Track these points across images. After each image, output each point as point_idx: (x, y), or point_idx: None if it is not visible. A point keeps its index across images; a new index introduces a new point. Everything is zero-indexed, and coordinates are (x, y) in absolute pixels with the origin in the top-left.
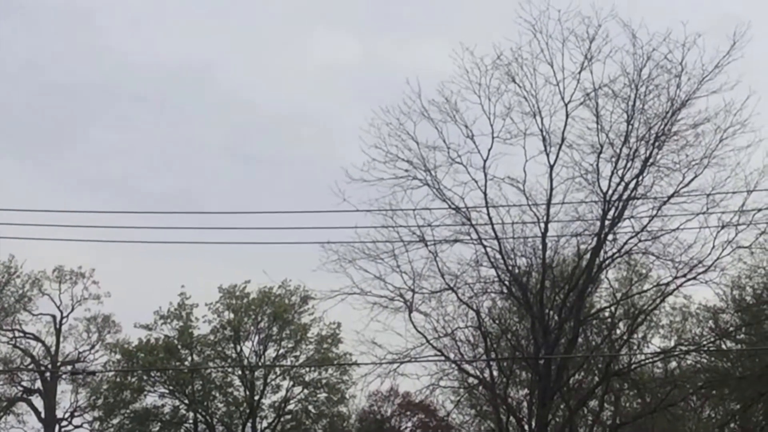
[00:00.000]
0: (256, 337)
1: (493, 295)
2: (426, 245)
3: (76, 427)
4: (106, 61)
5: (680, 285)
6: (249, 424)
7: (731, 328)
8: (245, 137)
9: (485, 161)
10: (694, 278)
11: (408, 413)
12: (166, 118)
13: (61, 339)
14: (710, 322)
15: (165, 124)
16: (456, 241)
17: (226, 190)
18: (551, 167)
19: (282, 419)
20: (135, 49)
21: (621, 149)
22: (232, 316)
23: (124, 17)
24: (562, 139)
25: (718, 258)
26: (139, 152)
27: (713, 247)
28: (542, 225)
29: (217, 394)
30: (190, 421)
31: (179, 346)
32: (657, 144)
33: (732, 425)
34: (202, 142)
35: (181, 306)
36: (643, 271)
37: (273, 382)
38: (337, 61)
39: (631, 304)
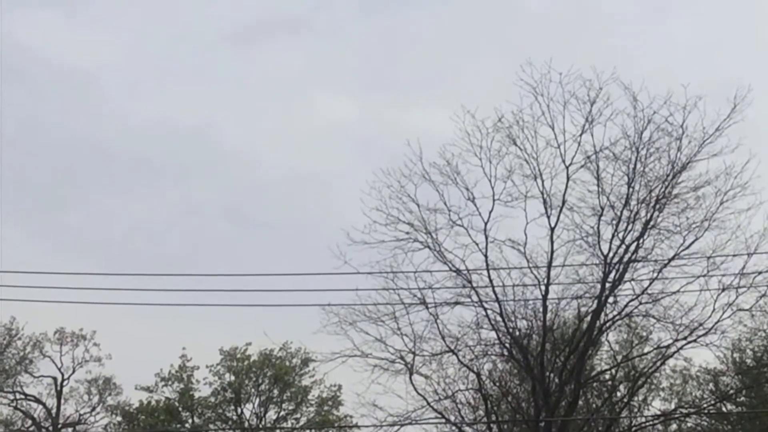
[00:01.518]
0: (257, 399)
1: (493, 357)
2: (427, 307)
3: None
4: (106, 122)
5: (681, 347)
6: None
7: (732, 391)
8: (245, 199)
9: (486, 224)
10: (695, 341)
11: None
12: (165, 180)
13: (63, 401)
14: (711, 384)
15: (164, 185)
16: (457, 303)
17: (226, 252)
18: (552, 230)
19: None
20: (135, 111)
21: (622, 212)
22: (233, 378)
23: (124, 79)
24: (563, 202)
25: (718, 321)
26: (138, 214)
27: (714, 309)
28: (543, 287)
29: None
30: None
31: (180, 408)
32: (658, 207)
33: None
34: (201, 203)
35: (182, 368)
36: (644, 333)
37: None
38: (337, 122)
39: (631, 366)
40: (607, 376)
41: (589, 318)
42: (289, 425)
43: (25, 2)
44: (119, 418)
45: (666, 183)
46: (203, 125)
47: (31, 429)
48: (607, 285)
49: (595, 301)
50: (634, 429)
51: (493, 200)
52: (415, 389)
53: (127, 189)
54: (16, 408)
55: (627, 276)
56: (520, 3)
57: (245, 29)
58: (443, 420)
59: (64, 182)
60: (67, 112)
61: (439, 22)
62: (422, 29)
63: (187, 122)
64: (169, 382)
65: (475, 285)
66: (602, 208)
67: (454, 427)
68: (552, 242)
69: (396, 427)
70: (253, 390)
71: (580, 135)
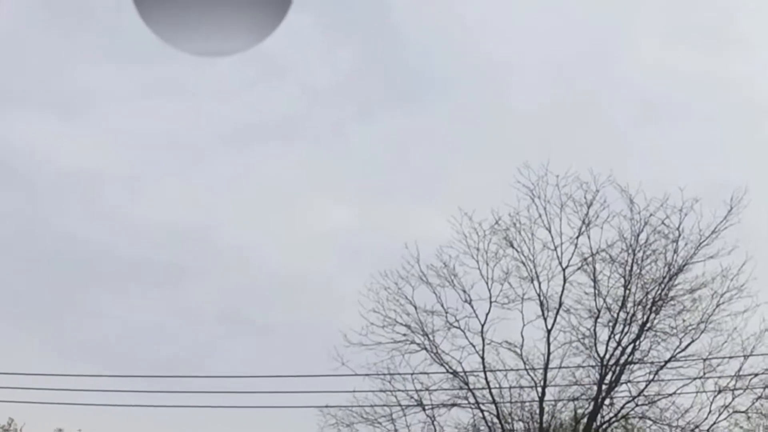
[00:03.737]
0: None
1: None
2: (424, 409)
3: None
4: (103, 223)
5: None
6: None
7: None
8: (243, 299)
9: (483, 326)
10: None
11: None
12: (163, 280)
13: None
14: None
15: (162, 286)
16: (453, 405)
17: (223, 353)
18: (549, 332)
19: None
20: (132, 212)
21: (618, 314)
22: None
23: (122, 180)
24: (560, 304)
25: (714, 423)
26: (135, 315)
27: (710, 411)
28: (540, 389)
29: None
30: None
31: None
32: (654, 309)
33: None
34: (199, 303)
35: None
36: None
37: None
38: (334, 224)
39: None
40: None
41: (585, 420)
42: None
43: (19, 105)
44: None
45: (662, 285)
46: (201, 226)
47: None
48: (604, 387)
49: (592, 403)
50: None
51: (490, 302)
52: None
53: (125, 289)
54: None
55: (623, 378)
56: (514, 105)
57: (243, 131)
58: None
59: (62, 283)
60: (63, 214)
61: (435, 125)
62: (418, 132)
63: (185, 223)
64: None
65: (472, 387)
66: (599, 310)
67: None
68: (549, 344)
69: None
70: None
71: (577, 237)
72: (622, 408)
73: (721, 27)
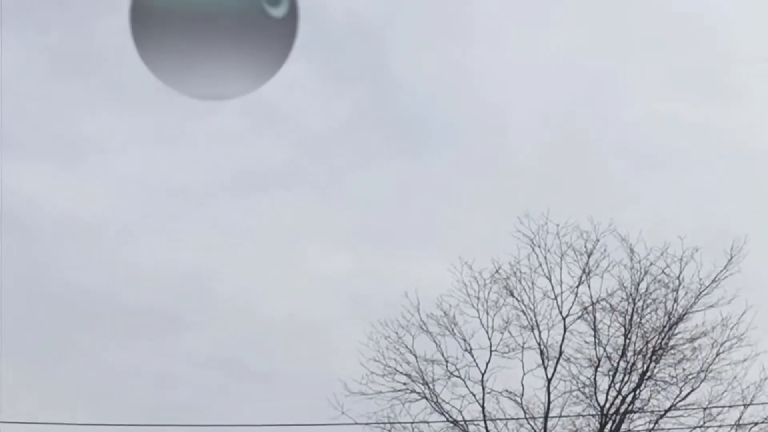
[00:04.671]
0: None
1: None
2: None
3: None
4: (104, 271)
5: None
6: None
7: None
8: (242, 347)
9: (483, 375)
10: None
11: None
12: (164, 329)
13: None
14: None
15: (163, 334)
16: None
17: (223, 401)
18: (549, 381)
19: None
20: (133, 260)
21: (618, 363)
22: None
23: (122, 228)
24: (560, 353)
25: None
26: (136, 362)
27: None
28: None
29: None
30: None
31: None
32: (654, 358)
33: None
34: (199, 351)
35: None
36: None
37: None
38: (333, 272)
39: None
40: None
41: None
42: None
43: (19, 153)
44: None
45: (663, 334)
46: (201, 273)
47: None
48: None
49: None
50: None
51: (490, 351)
52: None
53: (126, 337)
54: None
55: (624, 427)
56: (514, 153)
57: (243, 178)
58: None
59: (63, 330)
60: (64, 261)
61: (434, 172)
62: (417, 179)
63: (185, 270)
64: None
65: None
66: (599, 359)
67: None
68: (549, 393)
69: None
70: None
71: (577, 286)
72: None
73: (719, 73)
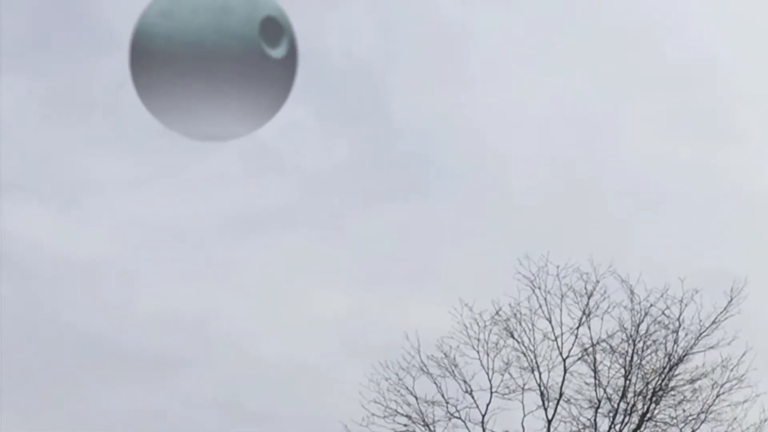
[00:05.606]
0: None
1: None
2: None
3: None
4: (103, 313)
5: None
6: None
7: None
8: (242, 389)
9: (484, 416)
10: None
11: None
12: (164, 370)
13: None
14: None
15: (163, 375)
16: None
17: None
18: (549, 422)
19: None
20: (133, 302)
21: (618, 404)
22: None
23: (121, 270)
24: (560, 394)
25: None
26: (136, 404)
27: None
28: None
29: None
30: None
31: None
32: (654, 399)
33: None
34: (199, 393)
35: None
36: None
37: None
38: (333, 314)
39: None
40: None
41: None
42: None
43: (18, 194)
44: None
45: (663, 375)
46: (201, 314)
47: None
48: None
49: None
50: None
51: (491, 393)
52: None
53: (125, 378)
54: None
55: None
56: (514, 194)
57: (241, 219)
58: None
59: (62, 372)
60: (63, 303)
61: (434, 213)
62: (417, 221)
63: (184, 312)
64: None
65: None
66: (599, 401)
67: None
68: None
69: None
70: None
71: (577, 328)
72: None
73: (718, 115)
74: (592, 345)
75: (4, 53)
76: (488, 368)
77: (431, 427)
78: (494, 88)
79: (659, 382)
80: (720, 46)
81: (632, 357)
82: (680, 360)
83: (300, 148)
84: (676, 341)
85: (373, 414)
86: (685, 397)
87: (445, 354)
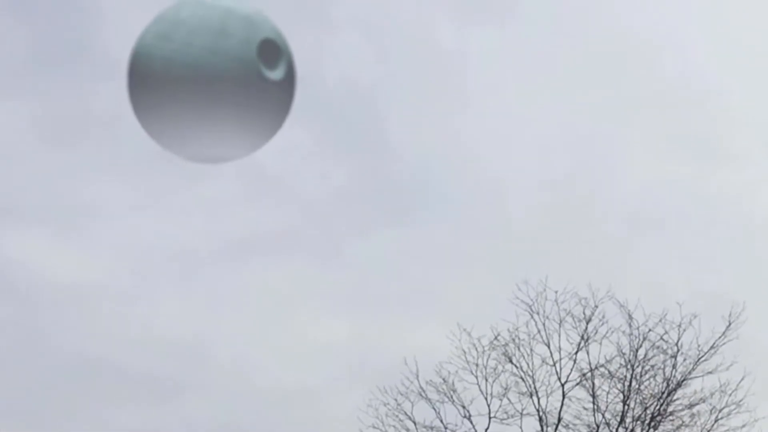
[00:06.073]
0: None
1: None
2: None
3: None
4: (99, 337)
5: None
6: None
7: None
8: (238, 413)
9: None
10: None
11: None
12: (162, 395)
13: None
14: None
15: (162, 400)
16: None
17: None
18: None
19: None
20: (129, 325)
21: (617, 429)
22: None
23: (120, 295)
24: (559, 420)
25: None
26: (133, 429)
27: None
28: None
29: None
30: None
31: None
32: (653, 424)
33: None
34: (195, 417)
35: None
36: None
37: None
38: (331, 338)
39: None
40: None
41: None
42: None
43: (15, 222)
44: None
45: (661, 400)
46: (199, 339)
47: None
48: None
49: None
50: None
51: (489, 418)
52: None
53: (124, 403)
54: None
55: None
56: (511, 219)
57: (240, 244)
58: None
59: (61, 396)
60: (62, 327)
61: (432, 239)
62: (415, 246)
63: (183, 336)
64: None
65: None
66: (598, 426)
67: None
68: None
69: None
70: None
71: (576, 353)
72: None
73: (716, 138)
74: (591, 370)
75: (3, 78)
76: (487, 393)
77: None
78: (491, 113)
79: (658, 407)
80: (718, 69)
81: (631, 382)
82: (679, 385)
83: (298, 173)
84: (674, 366)
85: None
86: (683, 422)
87: (443, 379)
